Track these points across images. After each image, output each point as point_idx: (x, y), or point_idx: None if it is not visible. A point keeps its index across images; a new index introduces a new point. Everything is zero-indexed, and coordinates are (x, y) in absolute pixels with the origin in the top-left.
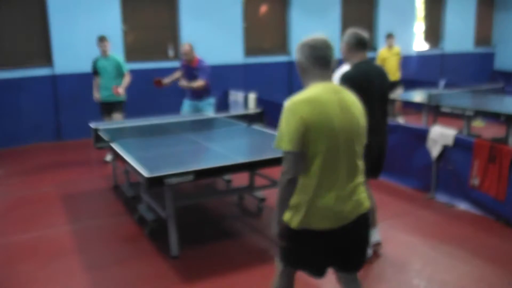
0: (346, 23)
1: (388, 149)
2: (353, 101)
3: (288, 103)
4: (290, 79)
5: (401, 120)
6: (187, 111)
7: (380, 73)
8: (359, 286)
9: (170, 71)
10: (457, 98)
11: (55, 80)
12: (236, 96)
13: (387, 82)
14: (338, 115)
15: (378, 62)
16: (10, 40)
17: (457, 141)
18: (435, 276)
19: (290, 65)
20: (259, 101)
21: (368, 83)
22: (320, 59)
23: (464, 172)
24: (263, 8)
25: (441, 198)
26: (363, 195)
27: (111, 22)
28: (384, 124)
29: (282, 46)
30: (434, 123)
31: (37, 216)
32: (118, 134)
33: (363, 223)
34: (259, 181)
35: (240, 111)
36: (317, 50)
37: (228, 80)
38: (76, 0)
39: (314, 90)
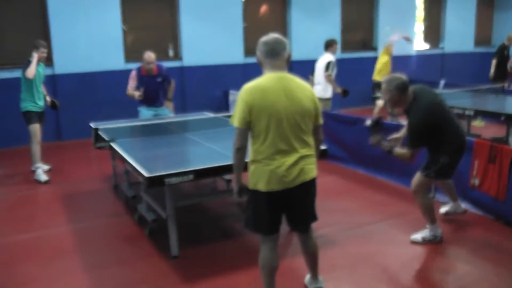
0: (346, 23)
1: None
2: (300, 87)
3: (241, 90)
4: None
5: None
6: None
7: None
8: (314, 244)
9: (170, 71)
10: (457, 98)
11: (55, 80)
12: (236, 96)
13: None
14: (280, 98)
15: (379, 65)
16: (10, 40)
17: None
18: (435, 276)
19: (290, 64)
20: None
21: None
22: (269, 52)
23: (464, 172)
24: (263, 8)
25: (441, 198)
26: (310, 166)
27: (111, 22)
28: None
29: None
30: None
31: (37, 216)
32: (118, 134)
33: (306, 189)
34: None
35: None
36: (268, 45)
37: (228, 80)
38: (76, 0)
39: (261, 79)
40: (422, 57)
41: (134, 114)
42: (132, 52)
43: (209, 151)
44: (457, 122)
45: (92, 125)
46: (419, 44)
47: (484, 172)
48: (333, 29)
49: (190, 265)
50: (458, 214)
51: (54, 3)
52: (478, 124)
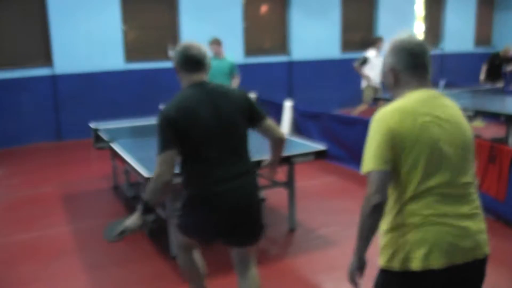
0: (346, 23)
1: None
2: (455, 107)
3: (376, 114)
4: (290, 79)
5: None
6: None
7: None
8: None
9: (170, 71)
10: (457, 98)
11: (55, 80)
12: None
13: None
14: (439, 125)
15: None
16: (10, 40)
17: None
18: None
19: (290, 65)
20: (259, 101)
21: None
22: (420, 68)
23: None
24: (263, 8)
25: None
26: (485, 234)
27: (111, 22)
28: None
29: (282, 46)
30: None
31: (37, 216)
32: (118, 134)
33: (478, 272)
34: (259, 181)
35: None
36: (417, 58)
37: None
38: (76, 0)
39: (408, 100)
40: None
41: (134, 114)
42: (132, 52)
43: None
44: None
45: (92, 125)
46: None
47: (484, 172)
48: (333, 29)
49: None
50: None
51: (54, 3)
52: (478, 124)
